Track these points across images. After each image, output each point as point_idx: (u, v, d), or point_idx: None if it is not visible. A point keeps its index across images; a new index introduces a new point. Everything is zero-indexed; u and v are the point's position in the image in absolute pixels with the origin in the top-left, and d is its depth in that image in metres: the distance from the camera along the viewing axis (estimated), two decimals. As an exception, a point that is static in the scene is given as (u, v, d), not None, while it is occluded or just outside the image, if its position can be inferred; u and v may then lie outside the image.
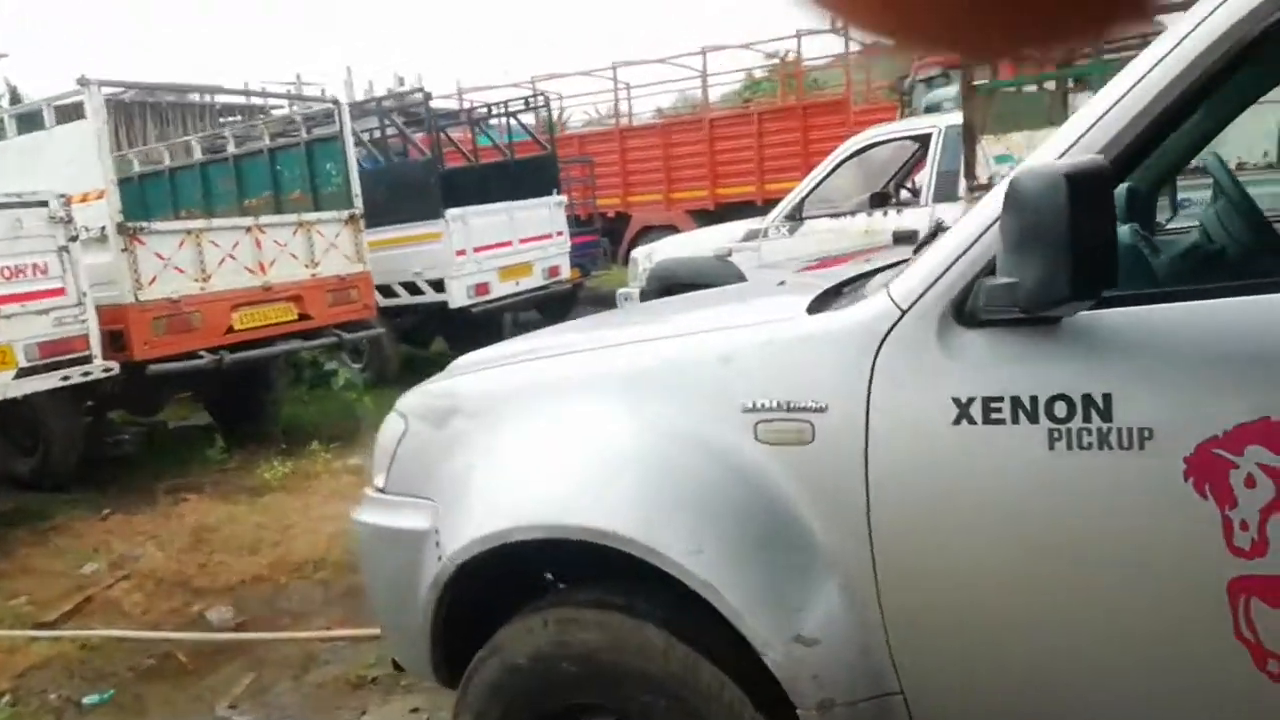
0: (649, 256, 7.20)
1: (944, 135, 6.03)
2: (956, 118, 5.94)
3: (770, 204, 11.46)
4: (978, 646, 1.49)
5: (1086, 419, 1.34)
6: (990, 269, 1.43)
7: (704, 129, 12.35)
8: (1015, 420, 1.39)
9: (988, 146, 5.47)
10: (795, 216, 6.44)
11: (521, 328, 9.77)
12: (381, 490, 2.19)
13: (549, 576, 2.04)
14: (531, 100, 9.82)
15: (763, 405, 1.62)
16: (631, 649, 1.70)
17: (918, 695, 1.54)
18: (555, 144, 9.80)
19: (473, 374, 2.13)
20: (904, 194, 7.09)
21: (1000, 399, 1.41)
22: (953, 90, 11.72)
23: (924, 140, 6.33)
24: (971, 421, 1.43)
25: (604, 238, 11.92)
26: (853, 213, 6.36)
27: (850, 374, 1.54)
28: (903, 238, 6.11)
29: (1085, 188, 1.18)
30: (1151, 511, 1.32)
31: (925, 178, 6.19)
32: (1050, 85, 6.68)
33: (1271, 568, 1.24)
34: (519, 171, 9.41)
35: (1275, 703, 1.27)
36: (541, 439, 1.87)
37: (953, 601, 1.49)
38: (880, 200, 6.61)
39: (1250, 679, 1.27)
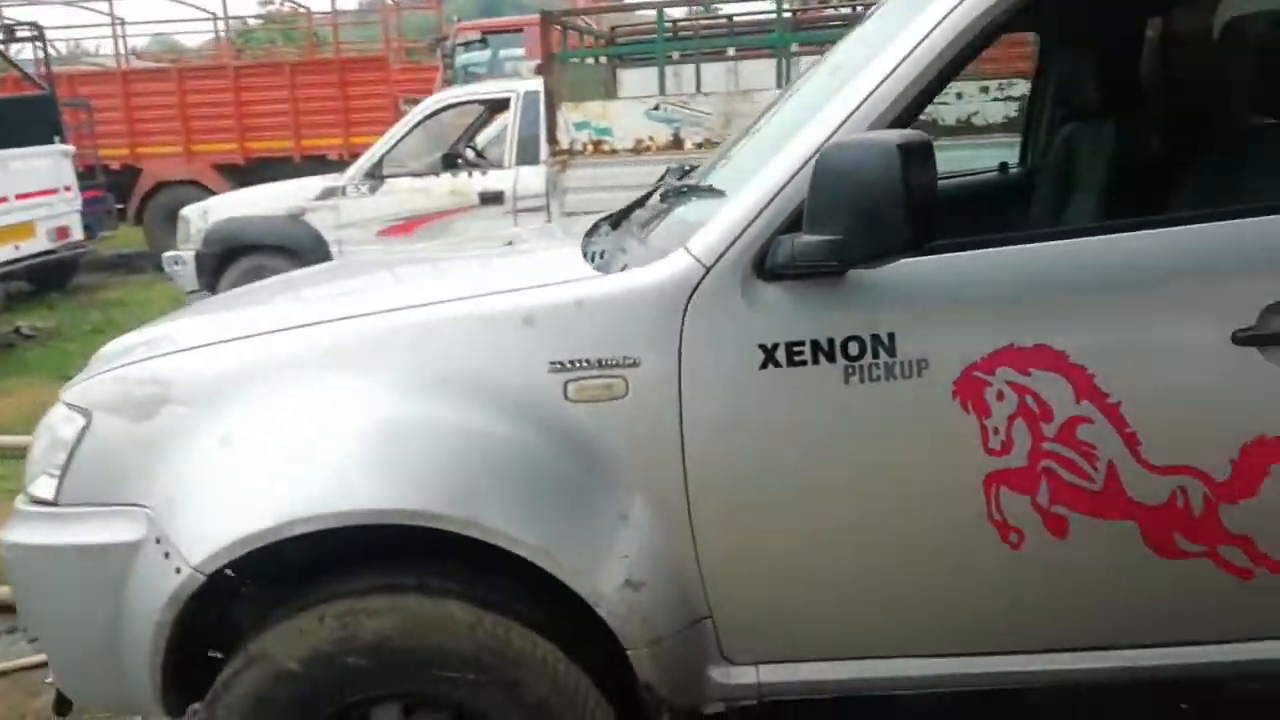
0: (204, 216, 6.47)
1: (522, 100, 6.24)
2: (533, 84, 6.18)
3: (308, 161, 10.92)
4: (781, 567, 1.67)
5: (875, 355, 1.57)
6: (785, 228, 1.59)
7: (229, 77, 11.26)
8: (815, 361, 1.58)
9: (568, 113, 5.78)
10: (375, 175, 6.22)
11: (13, 300, 8.19)
12: (50, 502, 1.79)
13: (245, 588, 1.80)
14: (15, 29, 8.16)
15: (572, 363, 1.62)
16: (433, 629, 1.62)
17: (725, 617, 1.68)
18: (53, 82, 8.28)
19: (181, 355, 1.81)
20: (470, 155, 7.18)
21: (801, 343, 1.58)
22: (486, 54, 12.10)
23: (502, 104, 6.48)
24: (777, 365, 1.59)
25: (109, 194, 10.39)
26: (436, 173, 6.32)
27: (661, 328, 1.61)
28: (489, 198, 6.25)
29: (916, 156, 1.38)
30: (928, 427, 1.59)
31: (507, 141, 6.35)
32: (604, 60, 7.25)
33: (1014, 462, 1.57)
34: (4, 114, 7.81)
35: (1015, 569, 1.61)
36: (311, 421, 1.68)
37: (760, 529, 1.65)
38: (450, 161, 6.66)
39: (998, 552, 1.61)
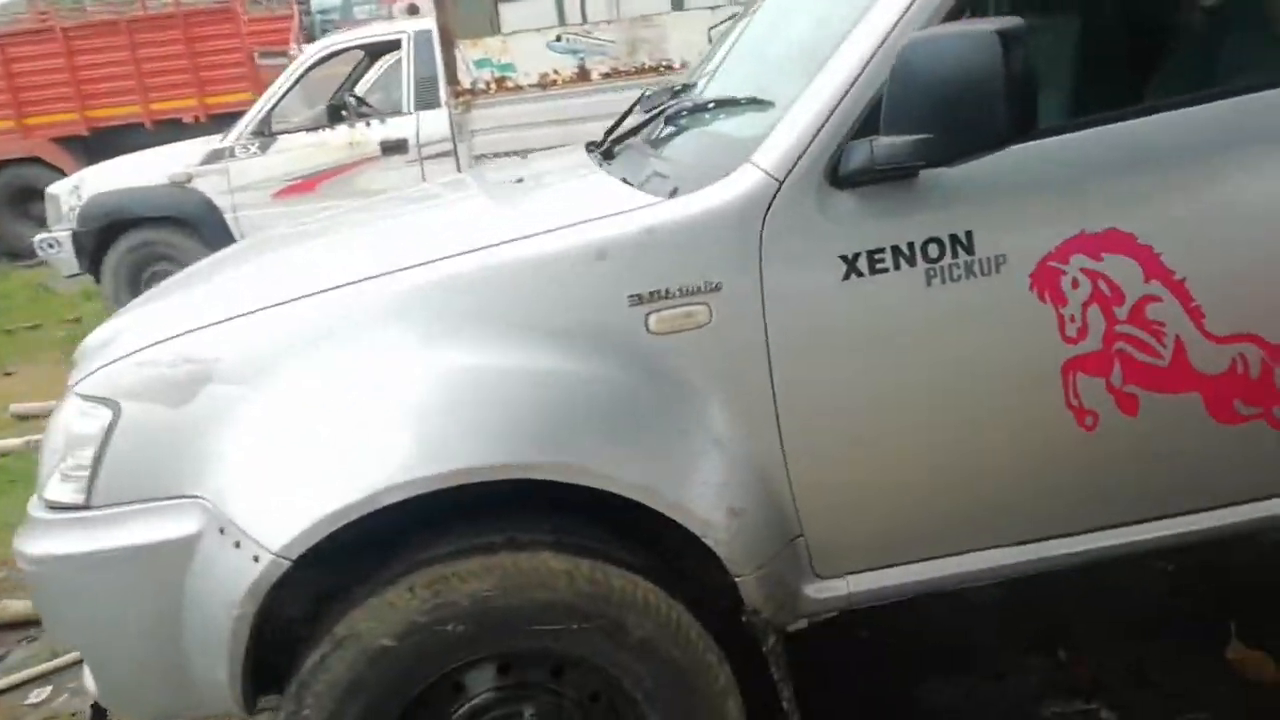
0: (75, 191, 5.96)
1: (414, 41, 5.95)
2: (423, 23, 5.90)
3: (159, 125, 10.18)
4: (869, 477, 1.68)
5: (954, 255, 1.58)
6: (855, 133, 1.57)
7: (58, 40, 10.32)
8: (897, 267, 1.58)
9: (466, 51, 5.55)
10: (264, 133, 5.85)
11: None
12: (81, 506, 1.64)
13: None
14: None
15: (652, 294, 1.58)
16: (531, 584, 1.57)
17: (816, 533, 1.69)
18: None
19: (216, 329, 1.66)
20: (353, 104, 6.83)
21: (882, 250, 1.58)
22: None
23: (388, 48, 6.17)
24: (860, 274, 1.58)
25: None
26: (331, 125, 5.99)
27: (739, 248, 1.58)
28: (391, 147, 5.98)
29: (1015, 43, 1.37)
30: (1008, 321, 1.62)
31: (403, 85, 6.05)
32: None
33: (1090, 347, 1.62)
34: None
35: (1091, 448, 1.67)
36: (384, 382, 1.58)
37: (848, 441, 1.65)
38: (336, 113, 6.34)
39: (1076, 435, 1.66)
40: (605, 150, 2.28)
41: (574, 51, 5.52)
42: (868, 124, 1.56)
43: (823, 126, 1.58)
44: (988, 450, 1.69)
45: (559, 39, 5.53)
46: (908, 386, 1.64)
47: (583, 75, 5.57)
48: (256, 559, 1.52)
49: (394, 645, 1.55)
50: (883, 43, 1.57)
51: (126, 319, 2.01)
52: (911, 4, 1.58)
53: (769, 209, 1.58)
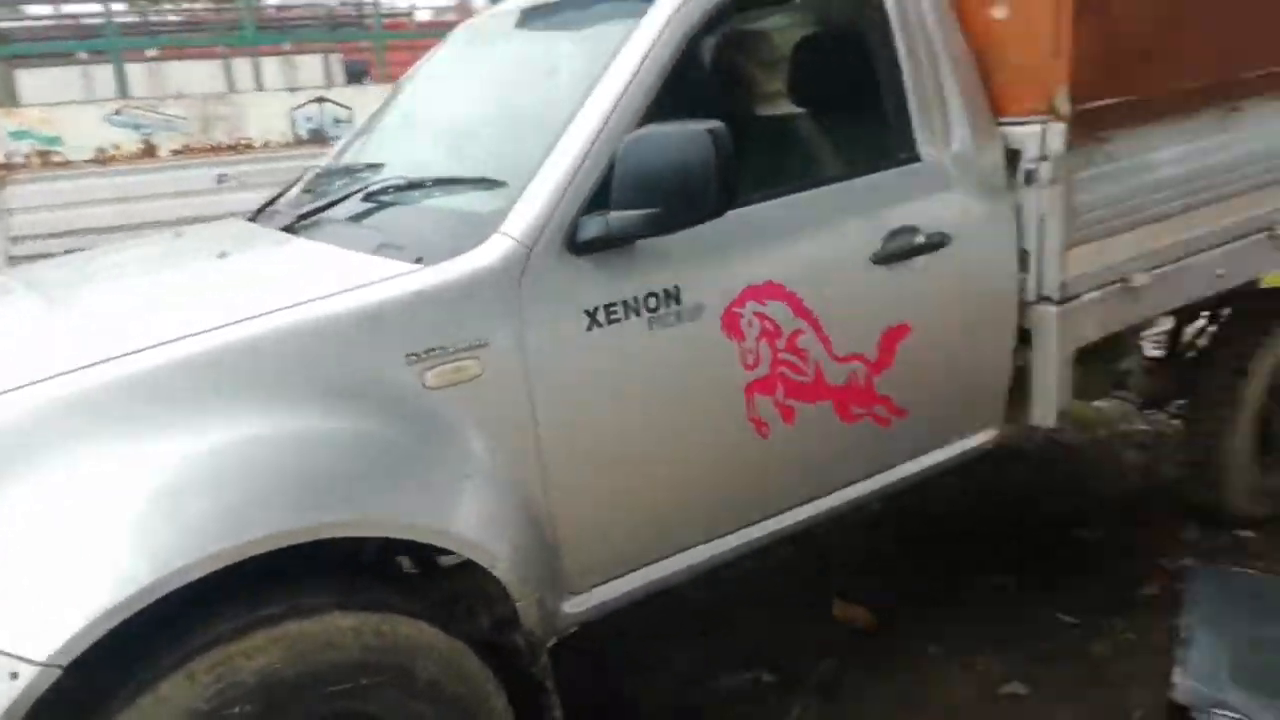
0: None
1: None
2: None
3: None
4: (611, 498, 1.97)
5: (668, 306, 1.96)
6: (585, 209, 1.88)
7: None
8: (627, 317, 1.91)
9: (2, 122, 4.91)
10: None
11: None
12: None
13: None
14: None
15: (428, 352, 1.73)
16: (319, 647, 1.61)
17: (571, 555, 1.94)
18: None
19: None
20: None
21: (615, 303, 1.90)
22: None
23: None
24: (600, 325, 1.89)
25: None
26: None
27: (501, 308, 1.81)
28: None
29: (722, 141, 1.77)
30: (708, 355, 2.02)
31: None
32: None
33: (762, 372, 2.09)
34: None
35: (766, 451, 2.13)
36: (161, 458, 1.51)
37: (596, 470, 1.93)
38: None
39: (756, 442, 2.11)
40: (290, 226, 2.32)
41: (137, 126, 5.15)
42: (593, 201, 1.89)
43: (559, 204, 1.87)
44: (698, 461, 2.07)
45: (119, 112, 5.12)
46: (640, 415, 1.97)
47: (149, 151, 5.21)
48: (14, 675, 1.38)
49: None
50: (599, 134, 1.91)
51: None
52: (617, 104, 1.95)
53: (523, 273, 1.82)
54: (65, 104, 5.33)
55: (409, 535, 1.66)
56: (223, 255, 2.22)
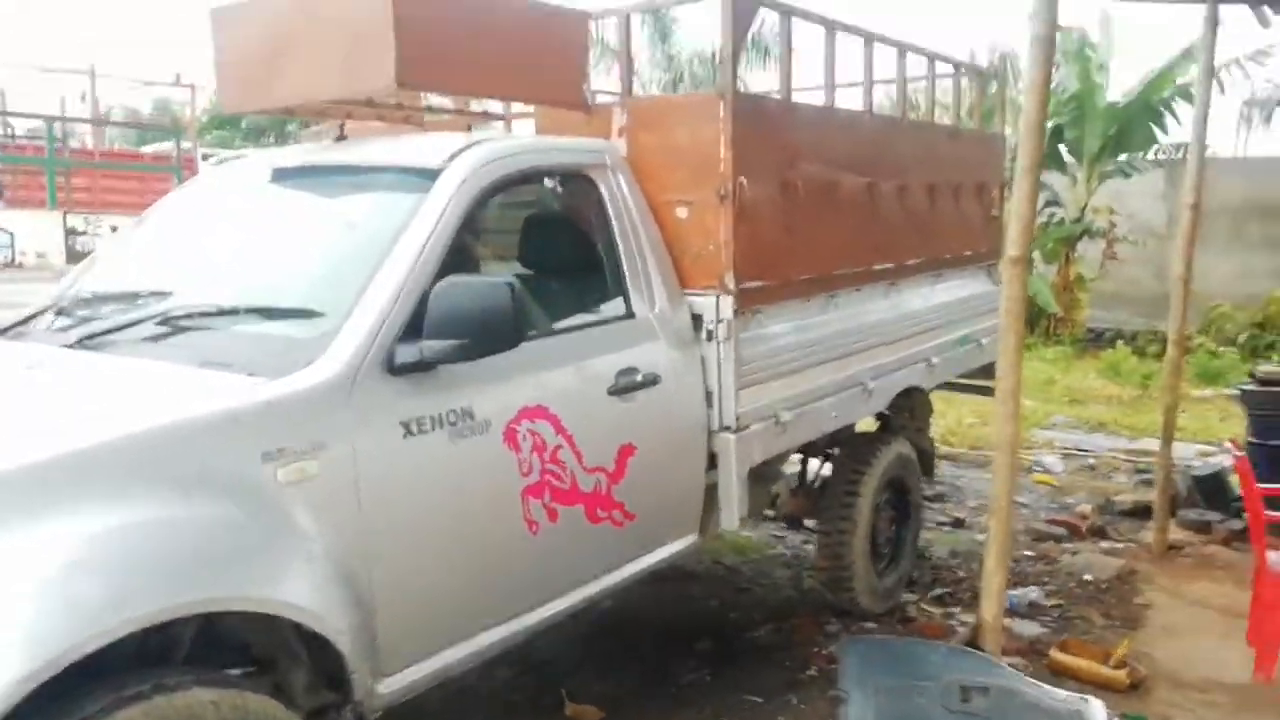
0: None
1: None
2: None
3: None
4: (419, 585, 2.28)
5: (464, 421, 2.38)
6: (399, 339, 2.27)
7: None
8: (435, 428, 2.31)
9: None
10: None
11: None
12: None
13: None
14: None
15: (279, 452, 2.01)
16: (186, 718, 1.77)
17: (386, 636, 2.20)
18: None
19: None
20: None
21: (424, 417, 2.29)
22: None
23: None
24: (413, 434, 2.26)
25: None
26: None
27: (335, 418, 2.14)
28: None
29: (517, 290, 2.26)
30: (494, 463, 2.44)
31: None
32: None
33: (534, 479, 2.54)
34: None
35: (536, 545, 2.56)
36: (30, 551, 1.63)
37: (405, 560, 2.25)
38: None
39: (529, 539, 2.53)
40: (80, 343, 2.44)
41: None
42: (404, 332, 2.29)
43: (379, 333, 2.26)
44: (486, 552, 2.45)
45: None
46: (442, 511, 2.34)
47: None
48: None
49: None
50: (408, 278, 2.34)
51: None
52: (420, 256, 2.40)
53: (351, 388, 2.17)
54: None
55: (270, 610, 1.88)
56: (30, 368, 2.28)
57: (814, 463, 4.37)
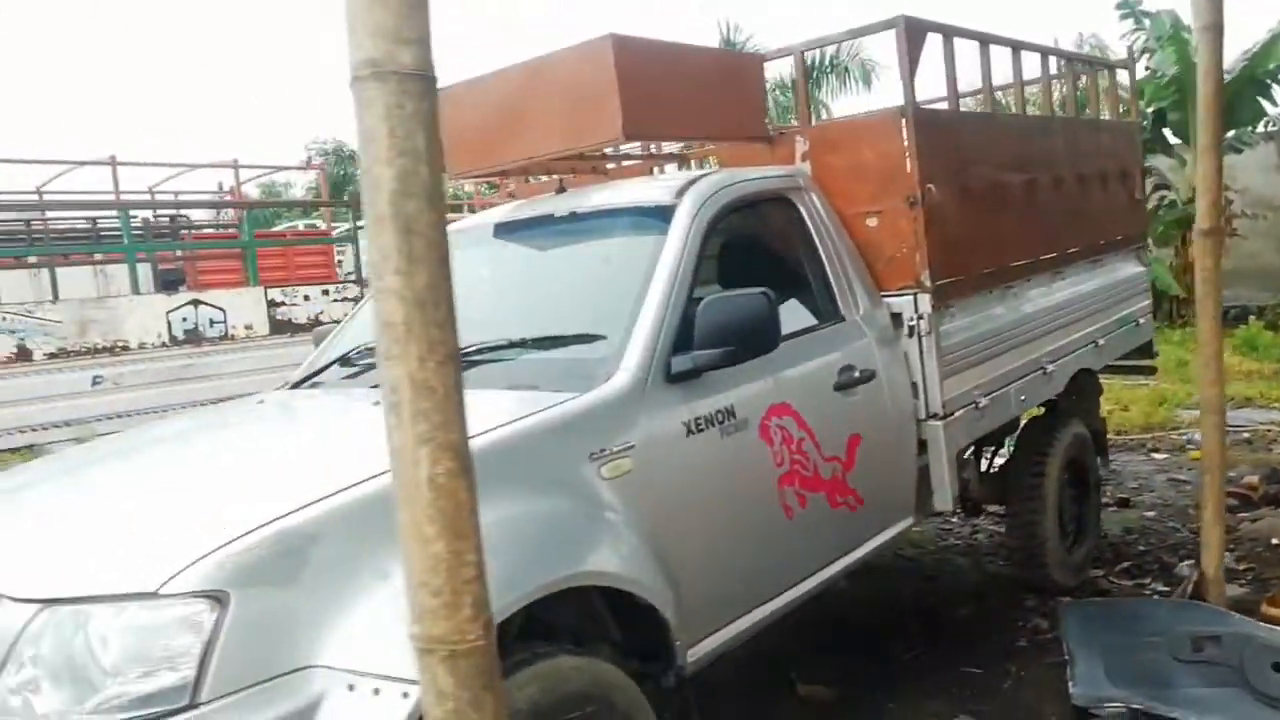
0: None
1: None
2: None
3: None
4: (709, 561, 2.57)
5: (728, 420, 2.68)
6: (673, 351, 2.59)
7: None
8: (707, 428, 2.62)
9: None
10: None
11: None
12: (190, 706, 1.67)
13: None
14: None
15: (602, 452, 2.34)
16: (560, 682, 2.06)
17: (687, 609, 2.48)
18: None
19: (306, 512, 1.88)
20: None
21: (699, 418, 2.61)
22: None
23: None
24: (693, 433, 2.58)
25: None
26: None
27: (636, 421, 2.46)
28: None
29: (772, 299, 2.57)
30: (753, 456, 2.74)
31: None
32: None
33: (785, 469, 2.83)
34: None
35: (792, 528, 2.84)
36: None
37: (692, 539, 2.54)
38: None
39: (786, 523, 2.82)
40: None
41: (12, 331, 5.16)
42: (675, 345, 2.61)
43: (656, 347, 2.59)
44: (755, 535, 2.75)
45: (-4, 321, 5.12)
46: (721, 499, 2.64)
47: (23, 354, 5.20)
48: (406, 694, 1.77)
49: None
50: (669, 299, 2.67)
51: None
52: (674, 281, 2.72)
53: (643, 396, 2.49)
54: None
55: (620, 585, 2.20)
56: (376, 404, 2.66)
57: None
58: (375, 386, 2.78)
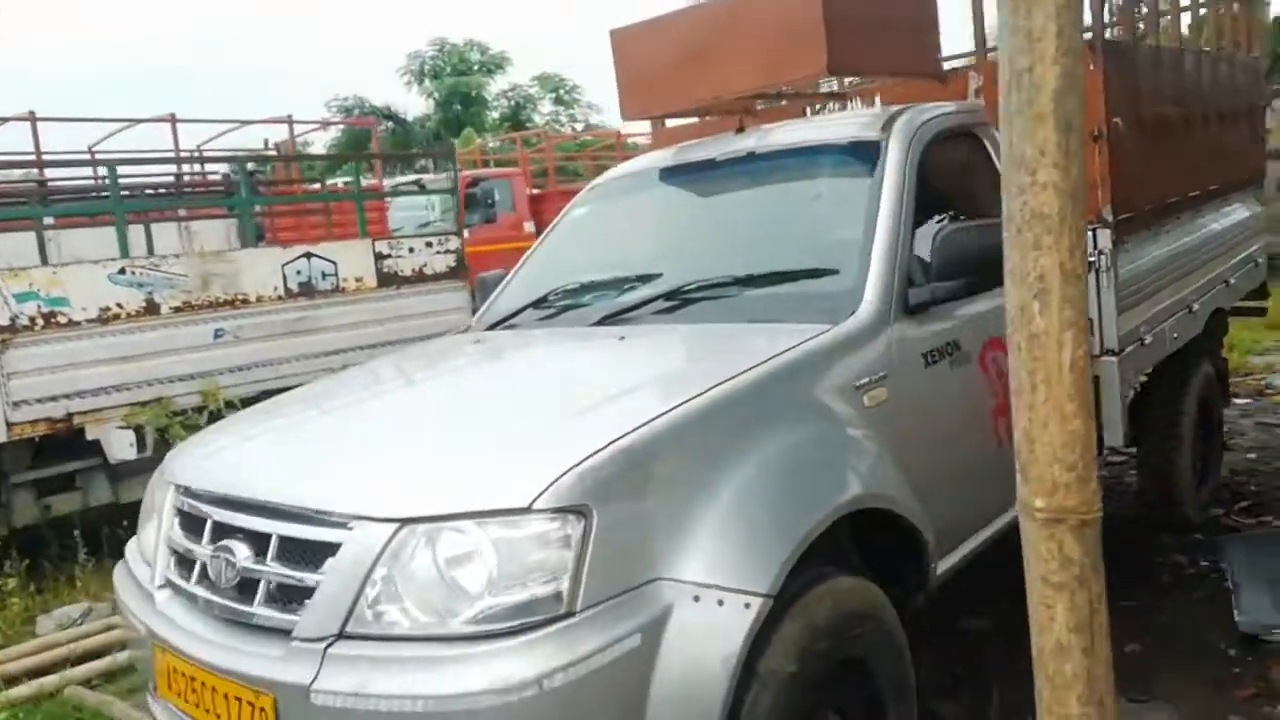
0: None
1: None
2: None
3: None
4: (940, 480, 2.62)
5: (955, 351, 2.73)
6: (910, 285, 2.64)
7: None
8: (941, 359, 2.67)
9: (5, 283, 4.83)
10: None
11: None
12: (567, 615, 1.74)
13: None
14: None
15: (864, 382, 2.40)
16: (840, 601, 2.14)
17: (933, 519, 2.54)
18: None
19: (645, 431, 1.96)
20: None
21: (933, 350, 2.66)
22: None
23: None
24: (929, 364, 2.63)
25: None
26: None
27: (886, 351, 2.51)
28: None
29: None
30: (975, 387, 2.80)
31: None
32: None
33: (997, 401, 2.88)
34: None
35: (1001, 454, 2.86)
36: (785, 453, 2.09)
37: (929, 455, 2.57)
38: None
39: (996, 450, 2.88)
40: (606, 320, 2.89)
41: (141, 285, 5.21)
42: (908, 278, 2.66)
43: (894, 281, 2.62)
44: (978, 461, 2.80)
45: (123, 271, 5.17)
46: (953, 426, 2.70)
47: (151, 309, 5.25)
48: (748, 605, 1.85)
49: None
50: (898, 234, 2.70)
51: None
52: (898, 216, 2.75)
53: (888, 328, 2.54)
54: (70, 265, 5.27)
55: (890, 506, 2.27)
56: (622, 339, 2.72)
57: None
58: (599, 324, 2.87)
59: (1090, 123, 3.34)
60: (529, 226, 13.59)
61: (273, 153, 10.43)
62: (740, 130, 3.54)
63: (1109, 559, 4.46)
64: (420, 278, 6.34)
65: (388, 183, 12.35)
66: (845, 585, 2.17)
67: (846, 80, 4.14)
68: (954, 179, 3.44)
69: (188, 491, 2.37)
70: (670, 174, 3.51)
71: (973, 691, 3.20)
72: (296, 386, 5.91)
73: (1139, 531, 4.42)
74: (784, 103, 4.13)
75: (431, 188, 10.51)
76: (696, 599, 1.84)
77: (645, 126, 4.22)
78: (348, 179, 11.06)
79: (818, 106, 4.10)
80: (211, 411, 5.35)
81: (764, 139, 3.35)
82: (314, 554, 1.95)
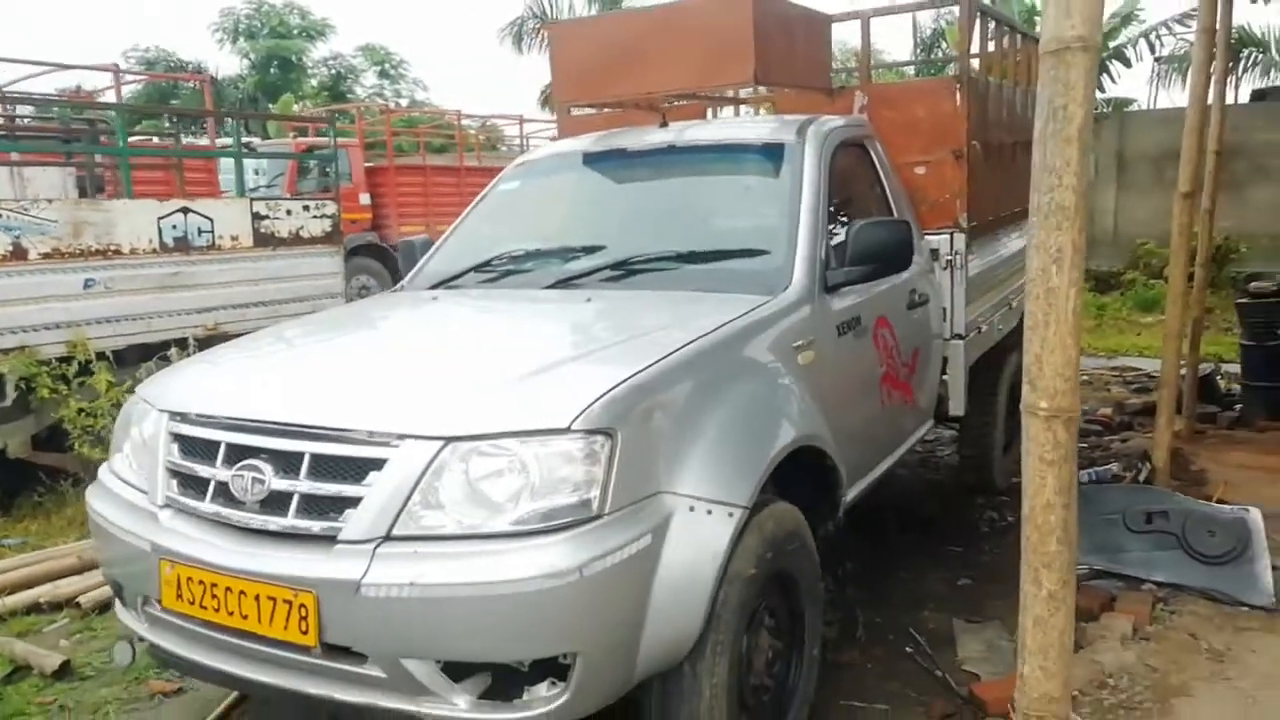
0: None
1: None
2: None
3: None
4: (842, 428, 3.13)
5: (857, 326, 3.27)
6: (827, 267, 3.14)
7: None
8: (847, 331, 3.20)
9: None
10: None
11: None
12: (596, 516, 2.10)
13: None
14: None
15: (799, 344, 2.88)
16: (780, 521, 2.60)
17: (842, 459, 3.06)
18: None
19: (651, 371, 2.34)
20: None
21: (843, 323, 3.18)
22: None
23: None
24: (840, 334, 3.16)
25: None
26: None
27: (812, 322, 3.00)
28: None
29: (907, 227, 3.16)
30: (869, 357, 3.35)
31: None
32: None
33: (884, 370, 3.45)
34: None
35: (884, 413, 3.48)
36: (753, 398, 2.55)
37: (837, 411, 3.10)
38: None
39: (880, 409, 3.45)
40: (558, 284, 3.23)
41: (8, 229, 4.98)
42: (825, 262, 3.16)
43: (816, 262, 3.12)
44: (867, 416, 3.35)
45: (-9, 214, 4.92)
46: (853, 388, 3.24)
47: (18, 253, 5.03)
48: (731, 514, 2.27)
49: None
50: (816, 222, 3.20)
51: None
52: (816, 206, 3.25)
53: (814, 301, 3.03)
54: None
55: (820, 445, 2.76)
56: (588, 300, 3.04)
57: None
58: (551, 288, 3.20)
59: (954, 144, 4.01)
60: (364, 199, 13.42)
61: (126, 103, 9.78)
62: (664, 124, 3.95)
63: (940, 514, 5.22)
64: (297, 240, 6.33)
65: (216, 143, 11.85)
66: (783, 509, 2.63)
67: (744, 89, 4.66)
68: (849, 181, 4.01)
69: (184, 418, 2.51)
70: (599, 158, 3.88)
71: (841, 613, 3.78)
72: (167, 341, 5.87)
73: (960, 495, 5.23)
74: (683, 103, 4.58)
75: (264, 151, 10.21)
76: (691, 509, 2.24)
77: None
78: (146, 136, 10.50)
79: (719, 109, 4.58)
80: (81, 363, 5.19)
81: (687, 134, 3.78)
82: (356, 469, 2.19)
